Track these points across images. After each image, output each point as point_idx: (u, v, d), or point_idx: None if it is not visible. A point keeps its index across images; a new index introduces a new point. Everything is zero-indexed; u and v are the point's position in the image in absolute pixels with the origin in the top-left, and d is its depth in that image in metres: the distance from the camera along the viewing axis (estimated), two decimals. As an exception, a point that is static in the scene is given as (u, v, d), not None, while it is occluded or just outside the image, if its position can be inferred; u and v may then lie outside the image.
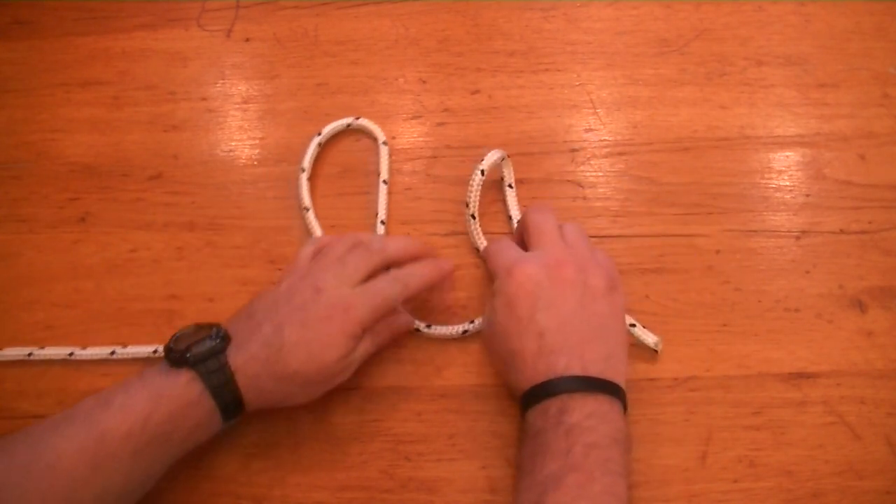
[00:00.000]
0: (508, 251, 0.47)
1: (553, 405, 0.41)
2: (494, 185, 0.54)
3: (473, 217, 0.51)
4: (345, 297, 0.44)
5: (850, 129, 0.55)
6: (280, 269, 0.53)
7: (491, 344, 0.46)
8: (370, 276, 0.47)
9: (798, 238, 0.52)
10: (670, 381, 0.48)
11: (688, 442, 0.47)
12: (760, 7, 0.60)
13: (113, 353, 0.50)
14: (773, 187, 0.54)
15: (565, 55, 0.59)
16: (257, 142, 0.58)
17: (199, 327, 0.44)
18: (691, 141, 0.55)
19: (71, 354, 0.51)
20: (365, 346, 0.46)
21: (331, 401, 0.49)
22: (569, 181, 0.55)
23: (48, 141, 0.59)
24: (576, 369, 0.41)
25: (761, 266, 0.51)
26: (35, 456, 0.39)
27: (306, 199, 0.54)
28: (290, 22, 0.62)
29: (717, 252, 0.52)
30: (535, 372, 0.42)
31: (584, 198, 0.54)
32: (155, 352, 0.50)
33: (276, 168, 0.57)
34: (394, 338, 0.49)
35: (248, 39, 0.62)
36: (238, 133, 0.58)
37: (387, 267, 0.48)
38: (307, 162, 0.55)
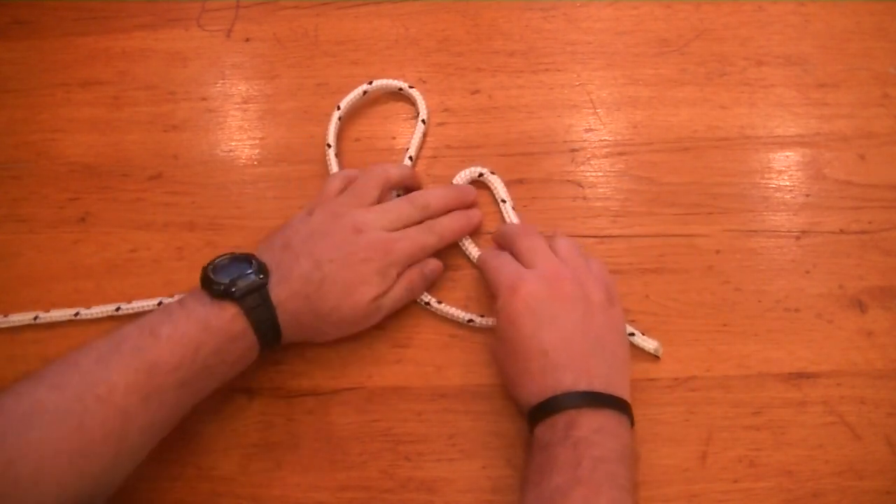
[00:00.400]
0: (508, 266, 0.47)
1: (561, 420, 0.41)
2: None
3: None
4: (385, 241, 0.47)
5: (850, 129, 0.55)
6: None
7: (499, 360, 0.47)
8: (408, 226, 0.49)
9: (798, 238, 0.52)
10: (670, 381, 0.48)
11: (688, 442, 0.47)
12: (760, 7, 0.60)
13: (118, 308, 0.51)
14: (773, 187, 0.54)
15: (565, 55, 0.59)
16: (257, 142, 0.58)
17: (234, 257, 0.45)
18: (691, 141, 0.55)
19: (77, 314, 0.51)
20: (398, 292, 0.48)
21: (331, 401, 0.49)
22: (569, 181, 0.55)
23: (48, 141, 0.59)
24: (582, 385, 0.41)
25: (761, 266, 0.51)
26: (87, 387, 0.39)
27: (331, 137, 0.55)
28: (290, 22, 0.62)
29: (717, 252, 0.52)
30: (541, 388, 0.42)
31: (584, 198, 0.54)
32: (160, 303, 0.51)
33: (276, 168, 0.57)
34: (426, 285, 0.50)
35: (248, 39, 0.62)
36: (238, 133, 0.58)
37: (392, 188, 0.52)
38: (331, 137, 0.56)
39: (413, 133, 0.56)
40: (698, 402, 0.48)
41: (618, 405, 0.42)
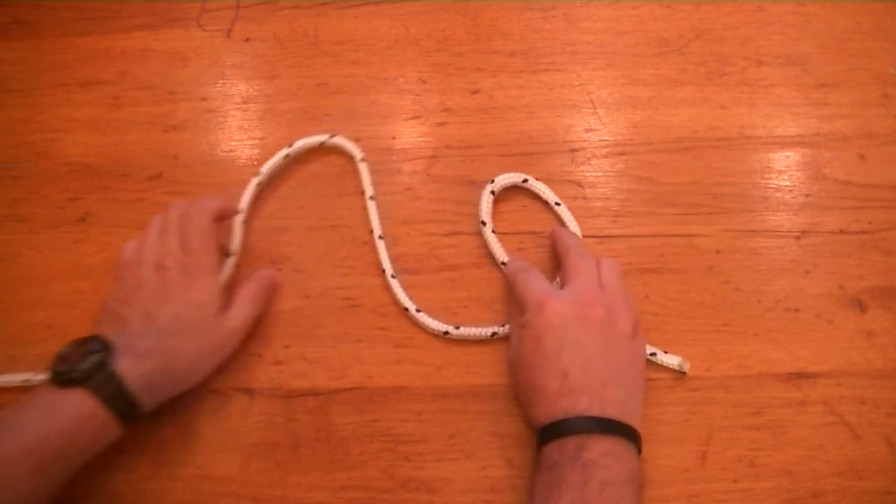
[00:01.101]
0: (539, 283, 0.47)
1: (571, 442, 0.41)
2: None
3: (492, 230, 0.52)
4: (183, 260, 0.47)
5: (850, 129, 0.55)
6: (280, 269, 0.53)
7: (515, 373, 0.47)
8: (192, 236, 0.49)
9: (798, 238, 0.52)
10: (670, 381, 0.48)
11: (688, 442, 0.47)
12: (760, 7, 0.60)
13: None
14: (773, 187, 0.54)
15: (565, 55, 0.59)
16: (257, 142, 0.58)
17: (78, 343, 0.44)
18: (691, 141, 0.55)
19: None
20: (242, 311, 0.48)
21: (331, 401, 0.49)
22: (569, 181, 0.55)
23: (48, 141, 0.59)
24: (595, 410, 0.42)
25: (761, 266, 0.51)
26: None
27: (244, 203, 0.54)
28: (290, 22, 0.62)
29: (717, 252, 0.52)
30: (555, 409, 0.42)
31: (584, 198, 0.54)
32: (26, 381, 0.50)
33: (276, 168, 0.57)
34: (266, 294, 0.51)
35: (248, 39, 0.62)
36: (238, 133, 0.58)
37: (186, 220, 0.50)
38: (265, 172, 0.55)
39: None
40: (698, 402, 0.48)
41: (628, 433, 0.42)
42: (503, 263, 0.51)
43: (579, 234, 0.52)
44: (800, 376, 0.48)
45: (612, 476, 0.40)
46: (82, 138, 0.59)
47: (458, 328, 0.50)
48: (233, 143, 0.58)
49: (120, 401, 0.42)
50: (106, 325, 0.46)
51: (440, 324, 0.50)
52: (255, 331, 0.51)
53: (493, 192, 0.53)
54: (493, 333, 0.50)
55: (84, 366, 0.42)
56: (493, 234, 0.52)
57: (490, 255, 0.52)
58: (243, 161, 0.57)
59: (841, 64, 0.57)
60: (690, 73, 0.58)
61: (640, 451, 0.43)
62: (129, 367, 0.43)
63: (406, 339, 0.51)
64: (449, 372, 0.49)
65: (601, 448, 0.41)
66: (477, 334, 0.50)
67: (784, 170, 0.54)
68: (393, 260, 0.52)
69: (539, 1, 0.61)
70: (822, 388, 0.48)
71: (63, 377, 0.42)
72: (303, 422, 0.49)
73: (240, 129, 0.59)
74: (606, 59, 0.59)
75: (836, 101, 0.56)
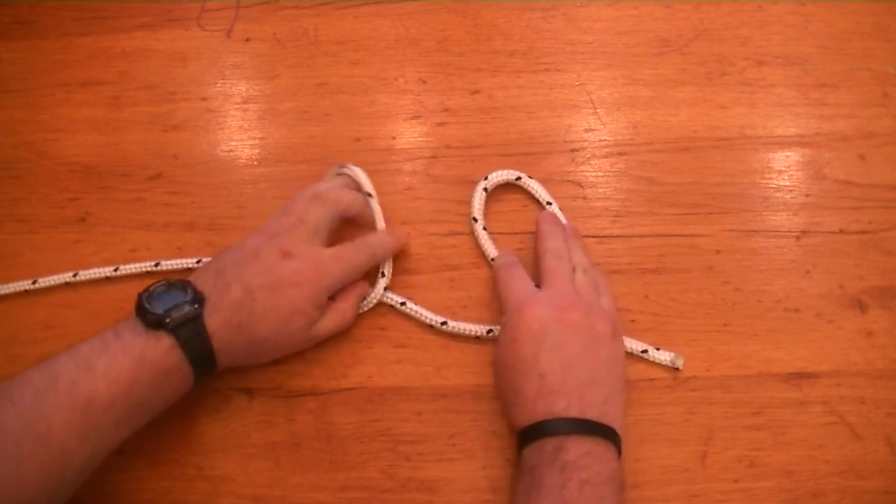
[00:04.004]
0: (520, 283, 0.47)
1: (549, 444, 0.41)
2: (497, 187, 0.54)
3: (483, 227, 0.52)
4: (314, 264, 0.46)
5: (850, 129, 0.55)
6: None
7: (496, 375, 0.47)
8: (332, 228, 0.48)
9: (798, 238, 0.52)
10: (670, 381, 0.48)
11: (688, 442, 0.47)
12: (760, 7, 0.60)
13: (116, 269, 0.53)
14: (773, 187, 0.54)
15: (565, 55, 0.59)
16: (257, 142, 0.58)
17: (171, 284, 0.44)
18: (691, 141, 0.55)
19: (34, 282, 0.52)
20: (330, 322, 0.48)
21: (331, 401, 0.49)
22: (569, 181, 0.55)
23: (48, 141, 0.59)
24: (574, 412, 0.41)
25: (761, 266, 0.51)
26: (24, 426, 0.38)
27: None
28: (290, 22, 0.62)
29: (717, 252, 0.52)
30: (533, 411, 0.42)
31: (584, 198, 0.54)
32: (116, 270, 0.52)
33: (276, 168, 0.57)
34: (356, 312, 0.50)
35: (248, 39, 0.62)
36: (238, 133, 0.58)
37: (343, 217, 0.49)
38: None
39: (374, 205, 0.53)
40: (698, 402, 0.48)
41: (607, 434, 0.42)
42: (492, 260, 0.51)
43: (577, 231, 0.52)
44: (800, 376, 0.48)
45: (591, 476, 0.40)
46: (82, 138, 0.59)
47: (452, 323, 0.50)
48: (233, 143, 0.58)
49: (202, 358, 0.43)
50: (206, 277, 0.45)
51: (435, 315, 0.50)
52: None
53: (485, 190, 0.53)
54: (489, 331, 0.49)
55: (178, 314, 0.42)
56: (484, 231, 0.52)
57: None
58: (243, 161, 0.57)
59: (841, 64, 0.57)
60: (690, 73, 0.58)
61: (619, 452, 0.43)
62: (216, 328, 0.43)
63: (406, 339, 0.51)
64: (449, 372, 0.50)
65: (580, 449, 0.40)
66: (471, 331, 0.49)
67: (784, 170, 0.54)
68: (393, 260, 0.52)
69: (539, 1, 0.61)
70: (822, 388, 0.48)
71: (154, 319, 0.42)
72: (303, 422, 0.49)
73: (240, 129, 0.59)
74: (606, 59, 0.59)
75: (836, 101, 0.56)
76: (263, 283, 0.44)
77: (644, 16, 0.60)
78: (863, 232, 0.52)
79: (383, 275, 0.51)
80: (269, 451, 0.48)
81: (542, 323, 0.44)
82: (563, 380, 0.42)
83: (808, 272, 0.51)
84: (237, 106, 0.59)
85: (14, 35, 0.63)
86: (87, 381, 0.40)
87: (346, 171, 0.53)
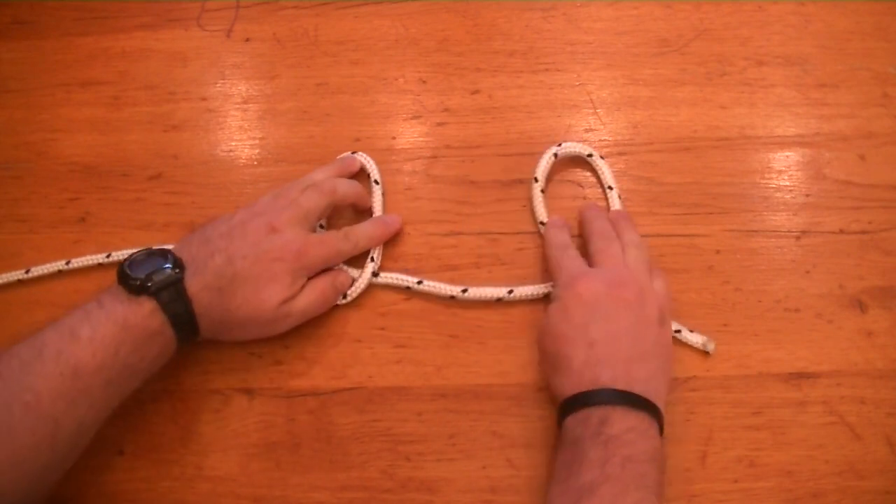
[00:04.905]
0: (575, 261, 0.48)
1: (594, 415, 0.41)
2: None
3: (542, 189, 0.53)
4: (299, 242, 0.46)
5: (850, 129, 0.55)
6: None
7: (543, 344, 0.46)
8: (322, 216, 0.50)
9: (798, 238, 0.52)
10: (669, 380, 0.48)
11: (688, 442, 0.47)
12: (760, 7, 0.60)
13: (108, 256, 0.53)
14: (773, 187, 0.54)
15: (565, 55, 0.59)
16: (257, 142, 0.58)
17: (151, 252, 0.45)
18: (691, 141, 0.55)
19: (27, 272, 0.53)
20: (307, 299, 0.47)
21: (331, 401, 0.49)
22: (569, 181, 0.55)
23: (48, 141, 0.59)
24: (620, 384, 0.42)
25: (761, 266, 0.51)
26: (13, 396, 0.39)
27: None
28: (290, 22, 0.62)
29: (717, 252, 0.52)
30: (580, 379, 0.42)
31: (585, 198, 0.54)
32: (108, 256, 0.53)
33: (276, 168, 0.57)
34: (336, 296, 0.50)
35: (248, 39, 0.62)
36: (238, 133, 0.58)
37: (337, 206, 0.51)
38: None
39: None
40: (698, 402, 0.48)
41: (651, 409, 0.42)
42: (542, 223, 0.52)
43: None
44: (800, 376, 0.48)
45: (634, 453, 0.40)
46: (82, 138, 0.59)
47: (465, 291, 0.50)
48: (233, 143, 0.58)
49: (184, 320, 0.44)
50: (191, 245, 0.46)
51: (453, 287, 0.50)
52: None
53: (555, 155, 0.53)
54: (510, 291, 0.50)
55: (159, 277, 0.43)
56: (541, 194, 0.53)
57: (492, 255, 0.52)
58: (243, 161, 0.57)
59: (841, 64, 0.57)
60: (690, 73, 0.57)
61: (662, 430, 0.42)
62: (196, 290, 0.44)
63: (406, 339, 0.51)
64: (449, 372, 0.50)
65: (625, 424, 0.40)
66: (485, 295, 0.50)
67: (784, 170, 0.54)
68: (393, 259, 0.52)
69: (539, 1, 0.61)
70: (822, 388, 0.48)
71: (136, 284, 0.42)
72: (303, 422, 0.49)
73: (240, 129, 0.59)
74: (606, 59, 0.59)
75: (836, 101, 0.56)
76: (247, 253, 0.45)
77: (644, 16, 0.60)
78: (863, 232, 0.52)
79: (372, 259, 0.52)
80: (269, 451, 0.48)
81: (595, 295, 0.44)
82: (612, 351, 0.42)
83: (808, 272, 0.51)
84: (237, 106, 0.59)
85: (14, 35, 0.63)
86: (72, 349, 0.40)
87: (356, 157, 0.54)
